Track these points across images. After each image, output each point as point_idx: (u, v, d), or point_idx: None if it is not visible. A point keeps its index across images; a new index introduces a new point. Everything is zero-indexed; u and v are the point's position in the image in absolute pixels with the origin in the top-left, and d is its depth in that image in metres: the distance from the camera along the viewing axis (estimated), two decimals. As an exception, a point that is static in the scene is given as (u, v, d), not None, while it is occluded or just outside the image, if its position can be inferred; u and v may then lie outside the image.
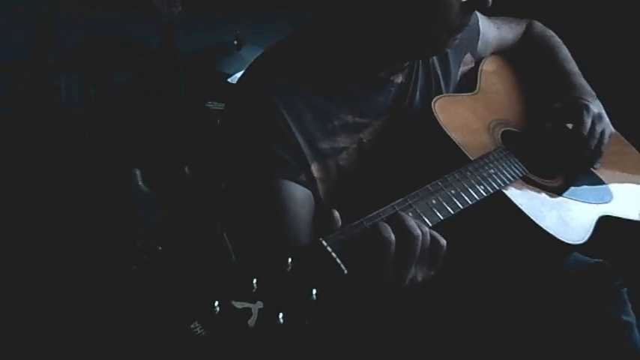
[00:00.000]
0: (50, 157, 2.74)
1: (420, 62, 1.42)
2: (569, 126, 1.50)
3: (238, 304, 0.86)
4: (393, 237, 1.01)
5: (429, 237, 1.05)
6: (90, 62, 2.86)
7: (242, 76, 1.36)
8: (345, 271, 0.96)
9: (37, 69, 2.84)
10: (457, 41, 1.31)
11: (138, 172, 2.41)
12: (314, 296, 0.90)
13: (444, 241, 1.07)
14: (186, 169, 2.38)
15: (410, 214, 1.08)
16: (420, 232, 1.03)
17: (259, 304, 0.87)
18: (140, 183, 2.39)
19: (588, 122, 1.47)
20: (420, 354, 1.37)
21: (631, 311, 1.47)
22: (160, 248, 2.21)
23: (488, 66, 1.61)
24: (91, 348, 2.13)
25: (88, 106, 2.91)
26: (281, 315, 0.86)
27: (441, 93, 1.45)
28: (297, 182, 1.26)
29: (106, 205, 2.60)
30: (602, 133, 1.49)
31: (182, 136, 2.40)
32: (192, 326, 0.84)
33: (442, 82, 1.46)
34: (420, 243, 1.03)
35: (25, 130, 2.79)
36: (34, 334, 2.21)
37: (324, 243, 0.96)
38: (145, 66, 2.81)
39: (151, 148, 2.53)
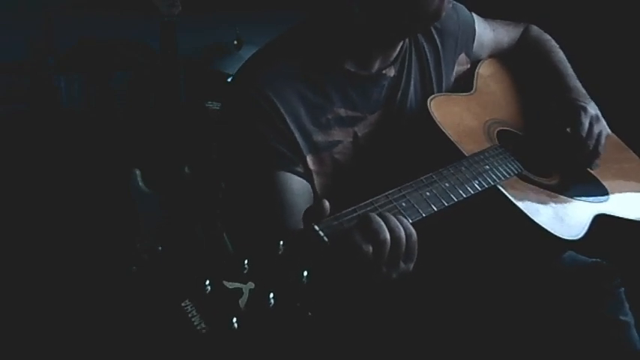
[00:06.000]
0: (50, 157, 2.73)
1: (414, 56, 1.44)
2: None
3: (229, 284, 0.87)
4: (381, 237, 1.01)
5: (412, 237, 1.04)
6: (90, 62, 2.86)
7: (236, 73, 1.38)
8: None
9: (37, 69, 2.84)
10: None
11: (138, 172, 2.41)
12: (305, 279, 0.90)
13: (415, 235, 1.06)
14: (186, 169, 2.38)
15: (403, 203, 1.09)
16: (403, 235, 1.03)
17: (250, 285, 0.88)
18: (140, 183, 2.39)
19: (586, 124, 1.48)
20: (414, 353, 1.37)
21: (629, 311, 1.48)
22: (160, 248, 2.20)
23: (484, 68, 1.62)
24: (91, 348, 2.13)
25: (88, 106, 2.91)
26: (272, 295, 0.87)
27: (433, 87, 1.46)
28: (294, 173, 1.28)
29: (106, 205, 2.59)
30: (600, 134, 1.50)
31: (182, 136, 2.40)
32: (183, 304, 0.84)
33: (434, 78, 1.47)
34: (403, 244, 1.03)
35: (25, 129, 2.79)
36: (34, 334, 2.21)
37: (317, 227, 0.97)
38: (145, 66, 2.81)
39: (151, 148, 2.53)
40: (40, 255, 2.49)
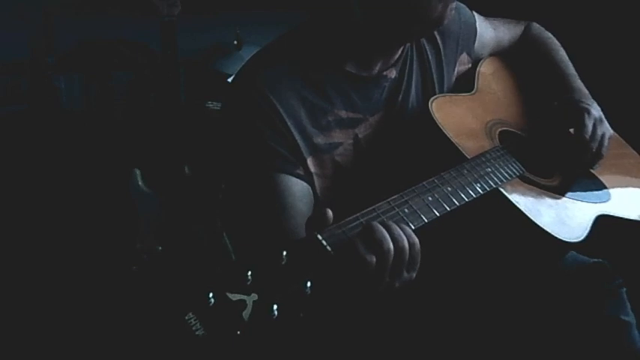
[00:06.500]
0: (50, 157, 2.73)
1: (415, 57, 1.43)
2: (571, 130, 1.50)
3: (233, 296, 0.87)
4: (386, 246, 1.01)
5: (415, 246, 1.04)
6: (90, 62, 2.86)
7: (236, 74, 1.37)
8: None
9: (37, 69, 2.84)
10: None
11: (138, 172, 2.41)
12: (308, 289, 0.90)
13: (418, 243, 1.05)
14: (186, 169, 2.38)
15: (406, 210, 1.08)
16: (407, 245, 1.03)
17: (254, 296, 0.87)
18: (140, 183, 2.40)
19: (590, 126, 1.47)
20: (416, 354, 1.37)
21: (630, 311, 1.47)
22: (160, 248, 2.21)
23: (485, 67, 1.61)
24: (91, 348, 2.13)
25: (88, 106, 2.91)
26: (275, 307, 0.87)
27: (435, 88, 1.46)
28: (294, 176, 1.27)
29: (106, 205, 2.60)
30: (603, 136, 1.49)
31: (182, 136, 2.40)
32: (186, 317, 0.84)
33: (435, 79, 1.47)
34: (407, 253, 1.03)
35: (25, 130, 2.79)
36: (34, 334, 2.20)
37: (320, 237, 0.97)
38: (145, 66, 2.81)
39: (151, 148, 2.53)
40: (40, 255, 2.49)
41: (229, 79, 2.46)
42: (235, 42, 2.71)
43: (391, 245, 1.00)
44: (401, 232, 1.02)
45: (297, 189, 1.27)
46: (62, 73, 2.86)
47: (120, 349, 2.05)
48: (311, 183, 1.30)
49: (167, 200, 2.36)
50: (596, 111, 1.50)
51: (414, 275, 1.05)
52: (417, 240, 1.04)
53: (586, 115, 1.47)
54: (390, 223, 1.03)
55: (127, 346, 2.02)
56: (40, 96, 2.85)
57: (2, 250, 2.47)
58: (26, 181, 2.68)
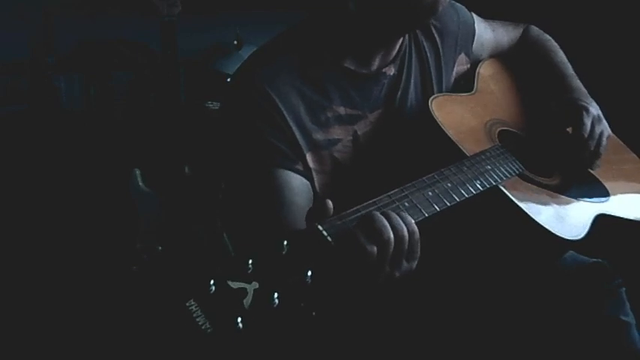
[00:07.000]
0: (50, 157, 2.73)
1: (414, 54, 1.44)
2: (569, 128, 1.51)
3: (234, 284, 0.87)
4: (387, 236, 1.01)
5: (415, 235, 1.05)
6: (90, 62, 2.86)
7: (235, 71, 1.38)
8: None
9: (37, 69, 2.85)
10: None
11: (138, 171, 2.41)
12: (309, 279, 0.90)
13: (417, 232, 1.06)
14: (186, 169, 2.38)
15: (406, 203, 1.09)
16: (406, 234, 1.03)
17: (255, 285, 0.88)
18: (140, 183, 2.40)
19: (588, 124, 1.47)
20: (416, 352, 1.37)
21: (629, 311, 1.47)
22: (160, 248, 2.20)
23: (485, 69, 1.62)
24: (91, 348, 2.13)
25: (88, 106, 2.91)
26: (276, 295, 0.87)
27: (433, 86, 1.47)
28: (293, 171, 1.28)
29: (106, 205, 2.60)
30: (601, 134, 1.49)
31: (182, 136, 2.40)
32: (187, 304, 0.84)
33: (434, 77, 1.47)
34: (406, 242, 1.03)
35: (25, 130, 2.79)
36: (34, 334, 2.20)
37: (320, 227, 0.97)
38: (145, 66, 2.82)
39: (151, 147, 2.53)
40: (40, 255, 2.49)
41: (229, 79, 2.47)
42: (235, 42, 2.71)
43: (391, 234, 1.00)
44: (400, 221, 1.02)
45: (297, 184, 1.28)
46: (62, 73, 2.86)
47: (120, 343, 2.05)
48: (310, 179, 1.31)
49: (167, 200, 2.36)
50: (594, 109, 1.50)
51: (414, 265, 1.05)
52: (416, 229, 1.04)
53: (584, 114, 1.48)
54: (390, 212, 1.03)
55: (127, 337, 2.01)
56: (40, 96, 2.85)
57: (2, 250, 2.47)
58: (26, 181, 2.68)
